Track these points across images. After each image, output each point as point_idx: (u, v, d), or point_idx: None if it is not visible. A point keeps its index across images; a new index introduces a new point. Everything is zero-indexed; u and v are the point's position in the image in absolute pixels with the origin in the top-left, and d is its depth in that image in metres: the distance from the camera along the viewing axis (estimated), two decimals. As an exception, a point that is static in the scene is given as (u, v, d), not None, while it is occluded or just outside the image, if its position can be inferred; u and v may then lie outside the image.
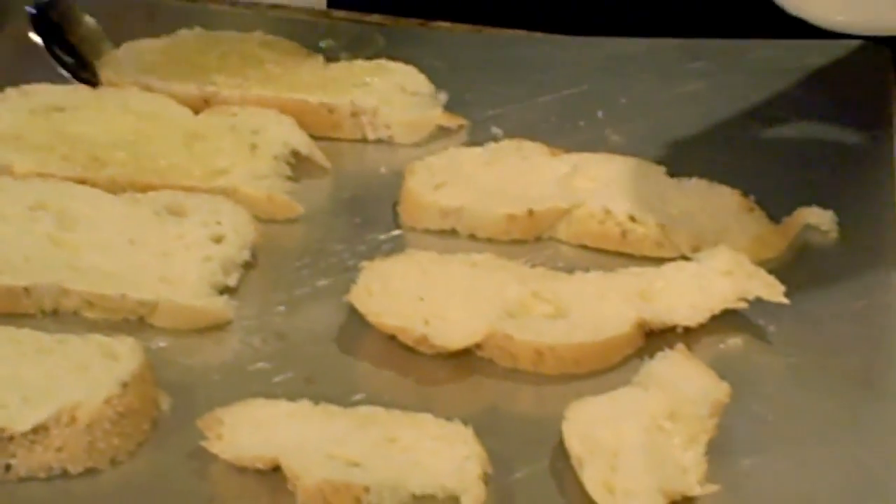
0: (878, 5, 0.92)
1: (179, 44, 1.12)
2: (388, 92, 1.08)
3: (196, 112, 1.05)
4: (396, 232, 0.98)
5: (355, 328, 0.89)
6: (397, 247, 0.96)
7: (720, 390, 0.82)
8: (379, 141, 1.06)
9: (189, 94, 1.07)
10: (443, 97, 1.08)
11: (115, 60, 1.11)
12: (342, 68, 1.10)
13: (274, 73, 1.09)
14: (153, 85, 1.07)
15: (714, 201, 0.98)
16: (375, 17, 1.21)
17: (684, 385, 0.82)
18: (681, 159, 1.02)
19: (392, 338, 0.88)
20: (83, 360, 0.83)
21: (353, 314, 0.89)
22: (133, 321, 0.89)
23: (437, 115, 1.07)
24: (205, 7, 1.22)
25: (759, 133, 1.07)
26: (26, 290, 0.89)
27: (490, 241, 0.97)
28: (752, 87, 1.12)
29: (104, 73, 1.10)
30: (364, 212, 1.00)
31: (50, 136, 1.02)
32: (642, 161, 1.01)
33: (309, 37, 1.15)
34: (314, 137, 1.04)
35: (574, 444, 0.80)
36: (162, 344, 0.88)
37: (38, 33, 1.13)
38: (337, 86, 1.08)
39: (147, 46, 1.12)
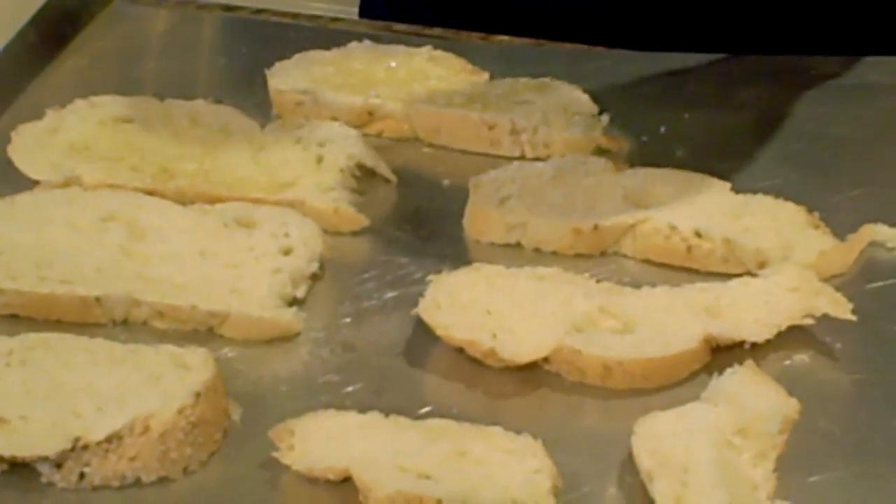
0: None
1: (349, 56, 1.13)
2: (550, 111, 1.07)
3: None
4: (461, 245, 0.98)
5: (423, 340, 0.90)
6: (463, 260, 0.96)
7: (790, 406, 0.82)
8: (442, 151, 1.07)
9: (353, 107, 1.08)
10: (605, 118, 1.07)
11: (285, 70, 1.11)
12: (506, 85, 1.10)
13: (438, 87, 1.10)
14: (319, 96, 1.08)
15: (779, 217, 0.98)
16: (436, 31, 1.21)
17: (754, 401, 0.82)
18: (745, 175, 1.02)
19: (460, 351, 0.88)
20: (156, 370, 0.84)
21: (420, 326, 0.90)
22: (202, 331, 0.90)
23: (597, 137, 1.06)
24: (267, 20, 1.23)
25: (822, 149, 1.07)
26: (98, 300, 0.90)
27: (555, 254, 0.97)
28: (815, 103, 1.12)
29: (272, 82, 1.10)
30: (429, 224, 1.00)
31: (119, 147, 1.03)
32: (707, 177, 1.01)
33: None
34: (476, 154, 1.05)
35: (644, 459, 0.80)
36: (231, 354, 0.89)
37: None
38: (499, 102, 1.08)
39: (317, 57, 1.12)
